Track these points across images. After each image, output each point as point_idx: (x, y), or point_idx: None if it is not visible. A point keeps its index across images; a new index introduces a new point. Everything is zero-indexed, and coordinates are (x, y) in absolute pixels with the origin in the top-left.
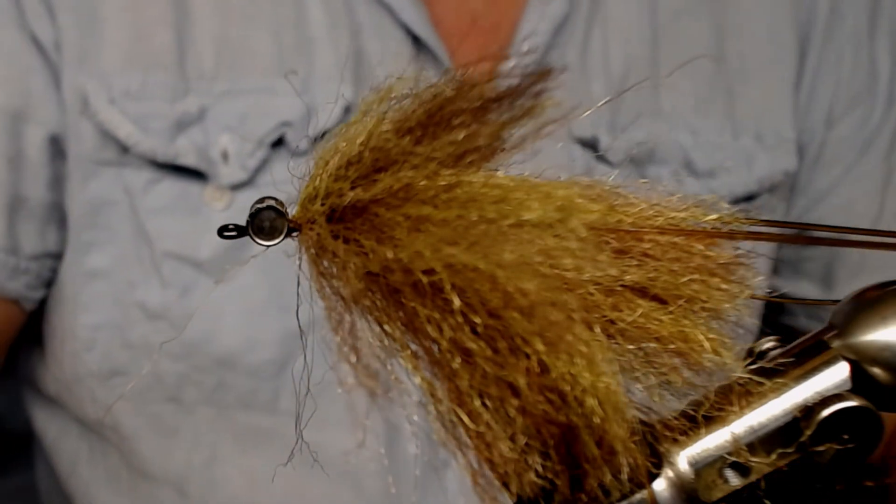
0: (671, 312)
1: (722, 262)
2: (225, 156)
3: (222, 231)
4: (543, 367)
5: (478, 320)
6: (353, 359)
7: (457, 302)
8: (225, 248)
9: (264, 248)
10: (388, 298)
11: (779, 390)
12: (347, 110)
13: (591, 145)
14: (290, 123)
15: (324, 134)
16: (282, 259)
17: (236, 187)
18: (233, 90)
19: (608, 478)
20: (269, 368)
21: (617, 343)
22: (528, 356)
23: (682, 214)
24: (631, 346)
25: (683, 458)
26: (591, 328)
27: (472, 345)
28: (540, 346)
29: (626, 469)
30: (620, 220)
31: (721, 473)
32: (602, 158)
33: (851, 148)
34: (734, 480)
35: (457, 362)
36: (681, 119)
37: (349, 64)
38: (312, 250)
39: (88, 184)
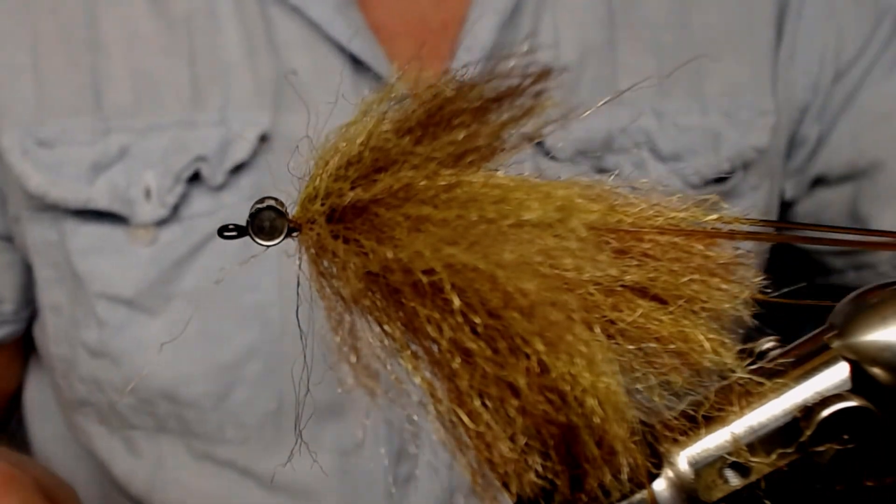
0: (671, 312)
1: (722, 262)
2: (148, 193)
3: (222, 231)
4: (543, 367)
5: (478, 320)
6: (353, 359)
7: (456, 302)
8: (149, 283)
9: (264, 248)
10: (388, 298)
11: (779, 390)
12: (263, 139)
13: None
14: (205, 157)
15: (238, 167)
16: (212, 291)
17: (160, 223)
18: (154, 125)
19: (608, 478)
20: (206, 401)
21: (617, 343)
22: (527, 356)
23: (682, 214)
24: (631, 347)
25: (683, 459)
26: (591, 328)
27: (471, 345)
28: (540, 346)
29: (626, 469)
30: (620, 220)
31: (721, 473)
32: (549, 155)
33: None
34: (734, 480)
35: (456, 362)
36: (643, 102)
37: (269, 87)
38: (312, 250)
39: (33, 227)
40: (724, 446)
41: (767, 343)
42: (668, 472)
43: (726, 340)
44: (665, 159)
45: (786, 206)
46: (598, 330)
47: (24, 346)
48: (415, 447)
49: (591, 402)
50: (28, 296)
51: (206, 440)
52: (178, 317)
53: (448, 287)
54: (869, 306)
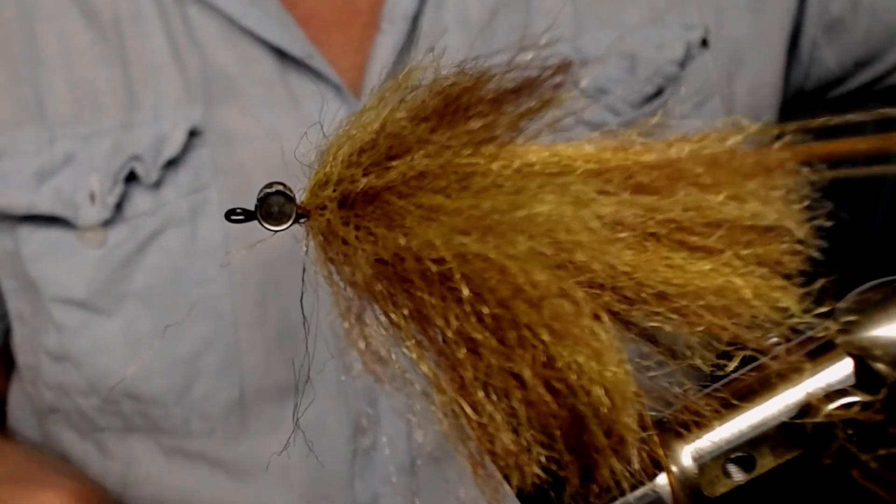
0: (714, 259)
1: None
2: (93, 197)
3: (230, 215)
4: (550, 358)
5: (485, 310)
6: (362, 346)
7: (466, 291)
8: (99, 284)
9: (272, 233)
10: (397, 286)
11: (783, 386)
12: (192, 133)
13: None
14: (139, 156)
15: (171, 161)
16: (166, 286)
17: (105, 224)
18: (96, 131)
19: (618, 468)
20: (168, 396)
21: (631, 325)
22: (534, 347)
23: (704, 143)
24: (672, 309)
25: (687, 453)
26: (599, 318)
27: (477, 335)
28: (546, 337)
29: (636, 459)
30: (637, 200)
31: (724, 468)
32: None
33: None
34: (737, 475)
35: (462, 352)
36: (562, 44)
37: (198, 84)
38: (321, 236)
39: None
40: (727, 441)
41: (771, 339)
42: (672, 467)
43: (783, 283)
44: (592, 95)
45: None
46: (606, 318)
47: (7, 358)
48: (367, 421)
49: (598, 391)
50: (2, 309)
51: (174, 435)
52: (132, 315)
53: (458, 276)
54: (874, 303)
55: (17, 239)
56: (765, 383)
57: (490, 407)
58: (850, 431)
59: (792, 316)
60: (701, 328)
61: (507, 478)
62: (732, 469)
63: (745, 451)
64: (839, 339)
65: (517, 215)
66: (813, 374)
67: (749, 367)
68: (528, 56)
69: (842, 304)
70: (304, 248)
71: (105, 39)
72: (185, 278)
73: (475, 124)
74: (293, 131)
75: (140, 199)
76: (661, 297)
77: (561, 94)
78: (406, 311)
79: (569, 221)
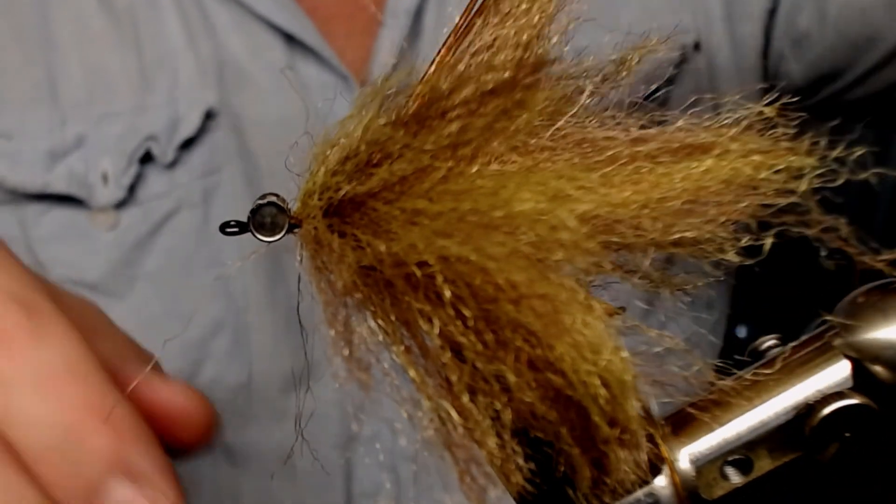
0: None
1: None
2: (105, 178)
3: (224, 227)
4: (541, 353)
5: (468, 313)
6: (346, 353)
7: (447, 293)
8: (112, 266)
9: (266, 244)
10: (383, 292)
11: (780, 388)
12: (209, 115)
13: None
14: (155, 136)
15: (186, 142)
16: (177, 268)
17: (119, 206)
18: (108, 113)
19: (627, 457)
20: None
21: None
22: (523, 344)
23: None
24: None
25: (685, 455)
26: (590, 308)
27: (461, 338)
28: (536, 329)
29: (644, 448)
30: (617, 206)
31: (722, 471)
32: None
33: None
34: (735, 478)
35: (447, 356)
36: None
37: (212, 68)
38: (311, 245)
39: None
40: (725, 444)
41: (768, 342)
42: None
43: (787, 145)
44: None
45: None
46: (598, 307)
47: None
48: (357, 420)
49: (594, 381)
50: None
51: None
52: (143, 298)
53: (440, 279)
54: (871, 304)
55: (25, 221)
56: (762, 386)
57: (475, 412)
58: (847, 434)
59: (811, 169)
60: (722, 221)
61: (507, 478)
62: (730, 471)
63: (742, 453)
64: (837, 342)
65: (496, 215)
66: (810, 377)
67: (746, 369)
68: (503, 56)
69: (839, 307)
70: (298, 258)
71: (119, 24)
72: (198, 260)
73: (453, 127)
74: (302, 119)
75: (154, 181)
76: (677, 211)
77: (537, 94)
78: (393, 317)
79: (548, 219)
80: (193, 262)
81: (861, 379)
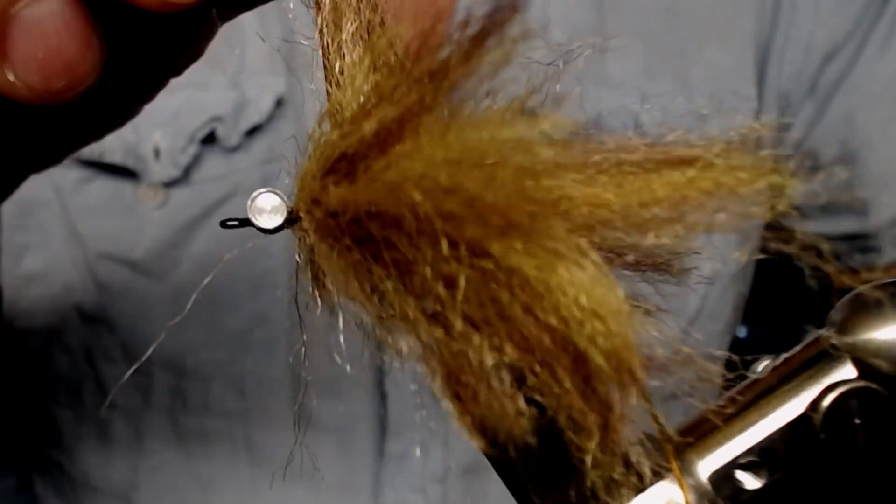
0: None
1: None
2: (157, 153)
3: (225, 222)
4: (536, 293)
5: (462, 251)
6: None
7: (439, 224)
8: (162, 245)
9: (265, 233)
10: (377, 250)
11: (784, 394)
12: (279, 103)
13: None
14: (221, 118)
15: (254, 128)
16: (220, 256)
17: (169, 185)
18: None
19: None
20: (211, 369)
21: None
22: (518, 286)
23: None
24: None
25: (699, 465)
26: (583, 249)
27: (458, 279)
28: (529, 270)
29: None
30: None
31: (737, 477)
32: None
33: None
34: (751, 483)
35: (442, 292)
36: (629, 84)
37: (280, 54)
38: (312, 234)
39: None
40: (736, 452)
41: (763, 363)
42: (688, 480)
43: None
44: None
45: None
46: (589, 248)
47: None
48: (400, 428)
49: (593, 323)
50: None
51: (199, 414)
52: (183, 280)
53: (428, 210)
54: (868, 304)
55: (63, 186)
56: (767, 391)
57: (476, 357)
58: (858, 421)
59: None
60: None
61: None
62: (745, 477)
63: (754, 458)
64: (837, 342)
65: (483, 138)
66: (813, 374)
67: (746, 381)
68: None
69: (838, 308)
70: (296, 250)
71: None
72: (249, 249)
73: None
74: None
75: (211, 163)
76: (657, 219)
77: (511, 47)
78: (388, 272)
79: (535, 146)
80: (245, 251)
81: (864, 371)
